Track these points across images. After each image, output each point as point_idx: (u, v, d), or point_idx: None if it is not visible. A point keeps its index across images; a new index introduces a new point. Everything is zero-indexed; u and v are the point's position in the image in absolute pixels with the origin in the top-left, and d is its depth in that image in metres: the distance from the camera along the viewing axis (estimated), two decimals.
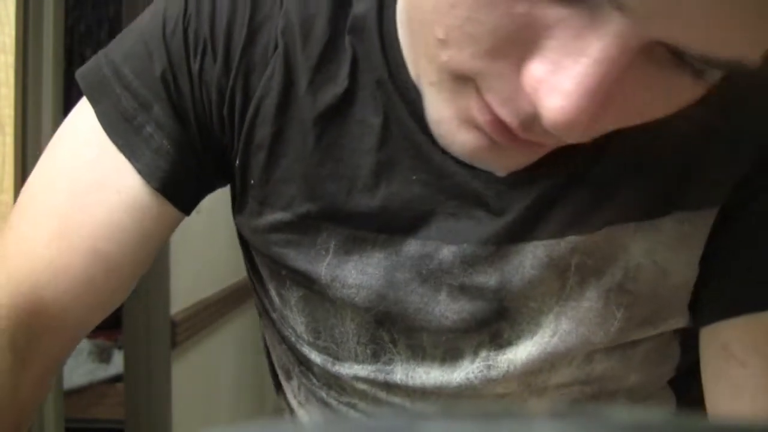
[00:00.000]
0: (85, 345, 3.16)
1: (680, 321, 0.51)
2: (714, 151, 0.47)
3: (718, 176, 0.47)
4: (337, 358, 0.53)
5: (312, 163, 0.48)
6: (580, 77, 0.32)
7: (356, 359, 0.52)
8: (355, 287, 0.49)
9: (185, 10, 0.49)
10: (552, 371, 0.51)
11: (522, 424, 0.16)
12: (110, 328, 3.41)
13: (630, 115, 0.37)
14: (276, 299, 0.54)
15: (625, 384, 0.52)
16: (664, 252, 0.47)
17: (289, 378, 0.60)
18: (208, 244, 2.17)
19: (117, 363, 2.65)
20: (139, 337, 1.90)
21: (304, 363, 0.56)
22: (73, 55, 4.19)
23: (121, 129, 0.50)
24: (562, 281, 0.48)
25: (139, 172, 0.49)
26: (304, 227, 0.49)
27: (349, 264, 0.49)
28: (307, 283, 0.51)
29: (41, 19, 1.37)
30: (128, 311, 2.43)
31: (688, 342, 0.52)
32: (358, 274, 0.49)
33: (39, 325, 0.49)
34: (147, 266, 0.53)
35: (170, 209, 0.51)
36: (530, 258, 0.47)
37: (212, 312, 2.21)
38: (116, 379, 2.58)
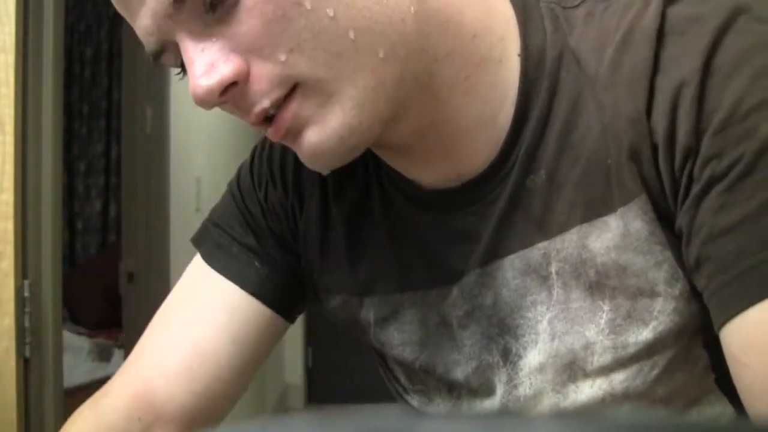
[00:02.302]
0: (85, 344, 3.17)
1: (674, 318, 0.50)
2: (617, 142, 0.49)
3: (627, 167, 0.49)
4: (428, 398, 0.61)
5: (347, 254, 0.61)
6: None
7: (440, 398, 0.60)
8: (400, 345, 0.60)
9: (252, 159, 0.67)
10: (574, 386, 0.53)
11: (522, 424, 0.16)
12: (110, 327, 3.42)
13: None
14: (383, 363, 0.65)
15: (655, 398, 0.52)
16: (617, 250, 0.50)
17: None
18: None
19: (117, 362, 2.65)
20: (139, 336, 1.90)
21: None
22: (73, 54, 4.19)
23: (216, 255, 0.65)
24: (548, 289, 0.52)
25: (230, 279, 0.64)
26: (348, 302, 0.62)
27: (390, 328, 0.60)
28: (376, 347, 0.63)
29: (41, 19, 1.37)
30: (128, 310, 2.43)
31: (715, 344, 0.50)
32: (400, 333, 0.60)
33: (152, 414, 0.63)
34: (249, 366, 0.65)
35: (262, 309, 0.64)
36: (510, 270, 0.54)
37: None
38: None
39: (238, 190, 0.67)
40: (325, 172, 0.54)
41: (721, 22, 0.47)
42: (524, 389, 0.54)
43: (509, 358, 0.55)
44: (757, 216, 0.45)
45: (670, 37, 0.48)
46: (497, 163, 0.53)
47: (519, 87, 0.52)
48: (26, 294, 1.30)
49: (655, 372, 0.51)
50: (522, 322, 0.54)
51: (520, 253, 0.53)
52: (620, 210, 0.50)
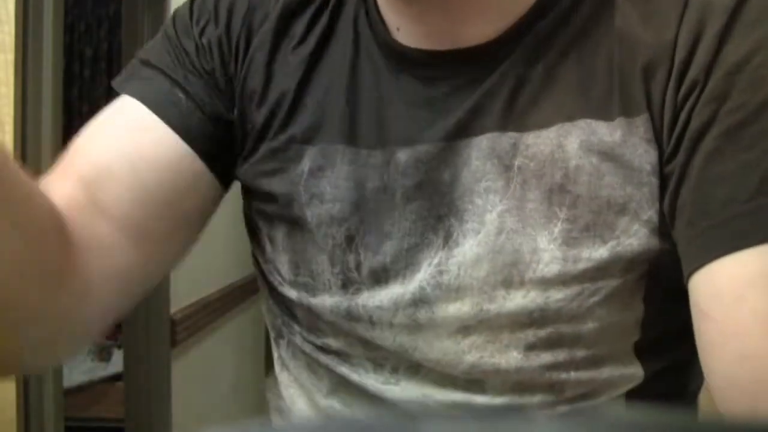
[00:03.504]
0: None
1: (633, 244, 0.49)
2: (631, 60, 0.49)
3: (636, 85, 0.49)
4: (313, 293, 0.55)
5: (297, 97, 0.56)
6: None
7: (329, 291, 0.55)
8: (330, 201, 0.54)
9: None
10: (505, 291, 0.50)
11: (522, 424, 0.16)
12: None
13: None
14: (267, 246, 0.58)
15: (582, 330, 0.50)
16: (600, 155, 0.49)
17: (280, 336, 0.62)
18: (207, 243, 2.17)
19: (117, 362, 2.65)
20: (139, 336, 1.90)
21: (288, 308, 0.59)
22: (72, 53, 4.19)
23: (141, 87, 0.58)
24: (505, 180, 0.50)
25: (153, 110, 0.57)
26: (289, 153, 0.56)
27: (323, 180, 0.54)
28: (289, 212, 0.56)
29: (41, 18, 1.37)
30: None
31: (653, 302, 0.51)
32: (332, 188, 0.54)
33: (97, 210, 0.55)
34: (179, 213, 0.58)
35: (184, 147, 0.57)
36: (476, 150, 0.51)
37: (212, 311, 2.21)
38: (116, 377, 2.57)
39: (173, 28, 0.60)
40: None
41: None
42: (449, 279, 0.51)
43: (448, 242, 0.51)
44: (750, 167, 0.45)
45: None
46: (499, 43, 0.52)
47: None
48: None
49: (594, 300, 0.49)
50: (470, 207, 0.51)
51: (490, 135, 0.51)
52: (620, 120, 0.49)
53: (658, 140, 0.48)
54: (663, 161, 0.48)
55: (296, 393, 0.60)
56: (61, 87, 1.44)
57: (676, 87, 0.48)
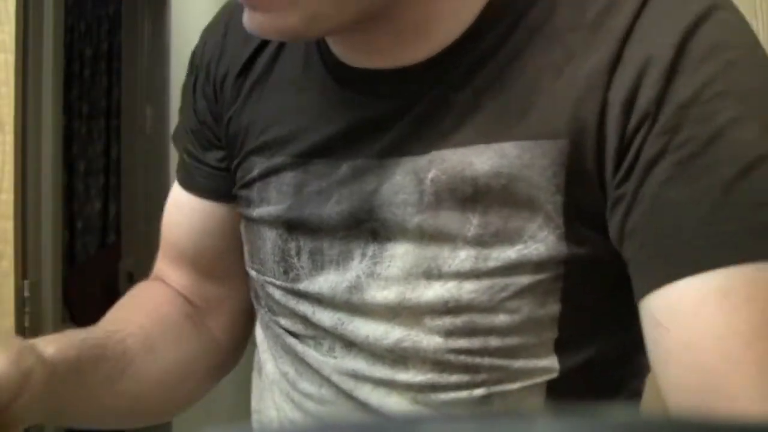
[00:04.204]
0: None
1: (540, 249, 0.53)
2: (557, 86, 0.52)
3: (558, 110, 0.51)
4: (264, 277, 0.64)
5: (251, 115, 0.64)
6: None
7: (274, 276, 0.63)
8: (275, 203, 0.62)
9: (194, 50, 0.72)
10: (425, 282, 0.55)
11: (522, 424, 0.16)
12: None
13: None
14: (243, 240, 0.68)
15: (495, 322, 0.54)
16: (509, 177, 0.52)
17: (257, 307, 0.70)
18: None
19: None
20: None
21: (254, 287, 0.68)
22: (72, 53, 4.19)
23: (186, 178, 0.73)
24: (419, 194, 0.54)
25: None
26: (245, 164, 0.64)
27: (271, 186, 0.62)
28: (246, 212, 0.65)
29: (41, 18, 1.37)
30: None
31: (570, 301, 0.54)
32: (276, 193, 0.61)
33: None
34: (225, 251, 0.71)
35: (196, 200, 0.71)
36: (401, 168, 0.56)
37: None
38: None
39: (188, 82, 0.71)
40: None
41: (702, 9, 0.50)
42: (381, 270, 0.57)
43: (377, 238, 0.57)
44: (702, 196, 0.48)
45: (652, 8, 0.51)
46: (428, 66, 0.55)
47: (483, 8, 0.54)
48: (26, 294, 1.30)
49: (504, 295, 0.54)
50: (390, 216, 0.56)
51: (413, 158, 0.55)
52: (528, 142, 0.52)
53: (577, 164, 0.51)
54: (585, 180, 0.52)
55: (267, 357, 0.67)
56: (61, 87, 1.44)
57: (622, 117, 0.50)
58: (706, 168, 0.48)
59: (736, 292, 0.47)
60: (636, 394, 0.60)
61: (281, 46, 0.63)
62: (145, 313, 0.69)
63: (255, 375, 0.71)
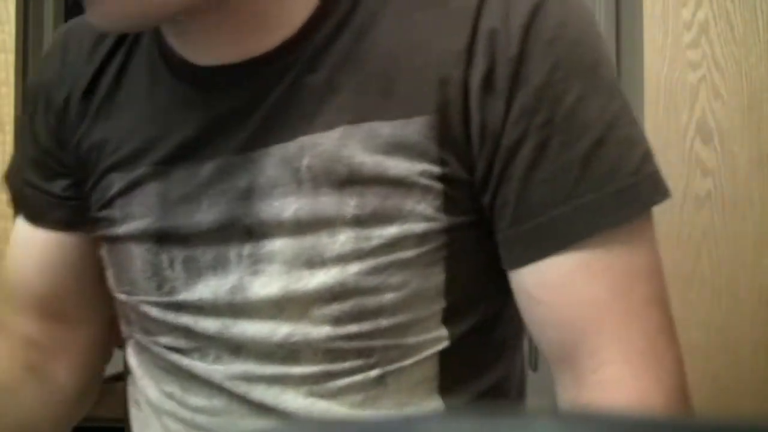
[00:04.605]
0: None
1: (421, 222, 0.54)
2: (418, 63, 0.53)
3: (422, 87, 0.53)
4: (136, 296, 0.62)
5: (104, 132, 0.62)
6: None
7: (148, 293, 0.61)
8: (140, 217, 0.60)
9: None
10: (308, 271, 0.55)
11: (522, 423, 0.16)
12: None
13: None
14: (107, 265, 0.66)
15: (383, 301, 0.55)
16: (382, 153, 0.53)
17: (127, 336, 0.68)
18: None
19: (117, 362, 2.64)
20: None
21: (124, 311, 0.66)
22: None
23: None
24: (297, 182, 0.55)
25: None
26: (103, 183, 0.62)
27: (134, 200, 0.60)
28: (109, 232, 0.62)
29: (41, 18, 1.37)
30: None
31: (452, 270, 0.56)
32: (140, 207, 0.60)
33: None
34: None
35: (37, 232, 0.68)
36: (270, 158, 0.55)
37: None
38: (116, 378, 2.57)
39: (25, 117, 0.70)
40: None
41: None
42: (264, 266, 0.56)
43: (252, 237, 0.56)
44: (563, 173, 0.52)
45: None
46: (279, 54, 0.55)
47: None
48: None
49: (390, 271, 0.54)
50: (268, 209, 0.55)
51: (280, 145, 0.55)
52: (398, 121, 0.53)
53: (447, 138, 0.53)
54: (457, 153, 0.53)
55: (147, 383, 0.65)
56: None
57: (482, 98, 0.52)
58: (563, 146, 0.52)
59: (595, 262, 0.52)
60: (517, 350, 0.64)
61: (126, 60, 0.62)
62: None
63: (132, 410, 0.69)
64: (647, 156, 0.54)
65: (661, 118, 1.16)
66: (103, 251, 0.64)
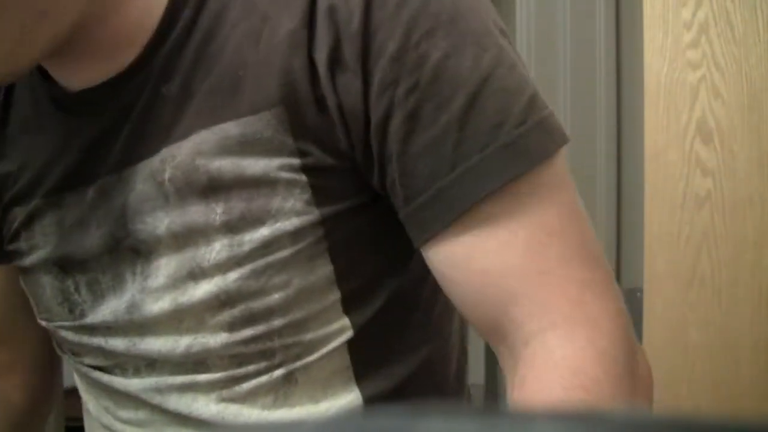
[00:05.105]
0: None
1: (292, 219, 0.53)
2: (259, 54, 0.52)
3: (266, 79, 0.51)
4: (54, 324, 0.63)
5: (1, 167, 0.62)
6: None
7: (62, 318, 0.62)
8: (43, 247, 0.60)
9: None
10: (193, 283, 0.55)
11: (522, 424, 0.16)
12: None
13: None
14: (28, 294, 0.66)
15: (271, 303, 0.54)
16: (236, 154, 0.52)
17: (62, 354, 0.68)
18: None
19: None
20: None
21: (54, 338, 0.66)
22: None
23: None
24: (164, 196, 0.54)
25: None
26: (8, 217, 0.62)
27: (36, 231, 0.61)
28: (20, 264, 0.63)
29: None
30: None
31: (340, 259, 0.54)
32: (41, 237, 0.60)
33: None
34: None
35: None
36: (138, 176, 0.55)
37: None
38: None
39: None
40: None
41: None
42: (152, 281, 0.56)
43: (140, 255, 0.57)
44: (442, 138, 0.49)
45: None
46: (135, 68, 0.55)
47: (167, 4, 0.54)
48: None
49: (270, 273, 0.54)
50: (143, 227, 0.55)
51: (147, 161, 0.55)
52: (246, 118, 0.52)
53: (300, 127, 0.51)
54: (311, 140, 0.52)
55: (88, 398, 0.66)
56: None
57: (331, 77, 0.50)
58: (436, 110, 0.49)
59: (498, 228, 0.49)
60: (448, 326, 0.62)
61: (9, 95, 0.62)
62: None
63: (85, 415, 0.71)
64: (533, 102, 0.50)
65: (661, 118, 1.16)
66: (21, 282, 0.65)
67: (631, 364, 0.49)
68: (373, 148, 0.51)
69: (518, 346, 0.50)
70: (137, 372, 0.60)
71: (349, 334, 0.56)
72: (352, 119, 0.50)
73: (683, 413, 0.16)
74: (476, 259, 0.50)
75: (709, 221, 1.15)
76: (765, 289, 1.13)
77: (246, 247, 0.53)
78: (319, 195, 0.53)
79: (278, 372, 0.56)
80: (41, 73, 0.60)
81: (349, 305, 0.56)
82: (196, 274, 0.55)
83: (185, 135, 0.53)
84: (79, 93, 0.57)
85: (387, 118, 0.49)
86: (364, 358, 0.56)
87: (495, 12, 0.54)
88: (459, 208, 0.49)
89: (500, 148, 0.48)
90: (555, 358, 0.48)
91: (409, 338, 0.59)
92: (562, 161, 0.51)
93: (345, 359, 0.56)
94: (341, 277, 0.55)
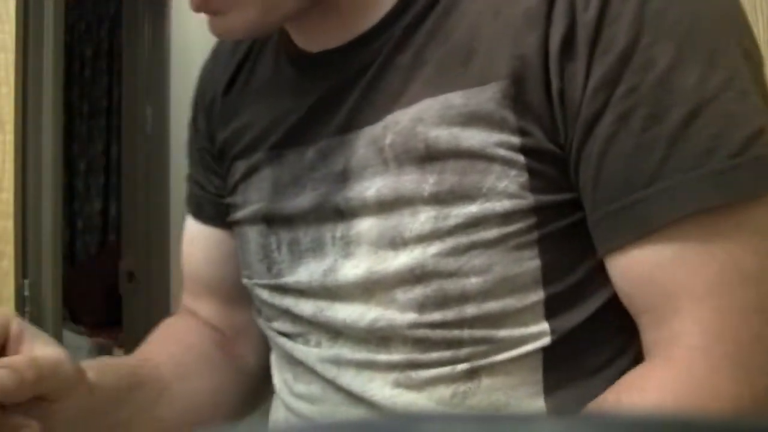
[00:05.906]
0: (85, 343, 3.17)
1: (503, 200, 0.50)
2: (496, 27, 0.51)
3: (498, 52, 0.50)
4: (252, 280, 0.65)
5: (236, 123, 0.66)
6: None
7: (260, 276, 0.63)
8: (256, 201, 0.63)
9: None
10: (392, 252, 0.54)
11: (522, 424, 0.16)
12: (110, 326, 3.42)
13: None
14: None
15: (467, 287, 0.51)
16: (456, 124, 0.51)
17: (258, 320, 0.69)
18: None
19: None
20: (139, 335, 1.90)
21: (254, 299, 0.68)
22: (73, 53, 4.19)
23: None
24: (382, 160, 0.54)
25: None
26: (232, 170, 0.66)
27: (252, 185, 0.63)
28: (234, 218, 0.66)
29: (41, 18, 1.37)
30: (128, 309, 2.43)
31: (550, 257, 0.51)
32: (256, 191, 0.63)
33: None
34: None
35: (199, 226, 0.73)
36: (361, 140, 0.56)
37: None
38: None
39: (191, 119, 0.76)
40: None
41: None
42: (354, 248, 0.56)
43: (343, 218, 0.57)
44: (648, 150, 0.46)
45: None
46: (373, 35, 0.56)
47: None
48: (26, 293, 1.30)
49: (472, 253, 0.51)
50: (357, 188, 0.56)
51: (371, 126, 0.55)
52: (472, 90, 0.51)
53: (524, 103, 0.50)
54: (536, 119, 0.50)
55: (274, 371, 0.67)
56: (61, 86, 1.44)
57: (562, 60, 0.48)
58: (648, 119, 0.46)
59: (689, 254, 0.46)
60: (623, 352, 0.54)
61: (258, 56, 0.66)
62: (175, 343, 0.71)
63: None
64: (758, 136, 0.46)
65: None
66: (235, 238, 0.67)
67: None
68: (574, 143, 0.49)
69: (664, 343, 0.48)
70: (318, 344, 0.59)
71: (546, 340, 0.51)
72: (569, 108, 0.49)
73: (683, 413, 0.16)
74: (657, 279, 0.47)
75: None
76: None
77: (451, 221, 0.51)
78: (535, 180, 0.50)
79: (462, 366, 0.52)
80: (284, 36, 0.62)
81: (552, 309, 0.52)
82: (397, 243, 0.53)
83: (410, 103, 0.53)
84: (316, 54, 0.59)
85: (598, 115, 0.47)
86: (559, 371, 0.52)
87: (749, 31, 0.51)
88: (654, 225, 0.46)
89: (707, 175, 0.45)
90: (692, 376, 0.46)
91: (607, 351, 0.54)
92: None
93: (537, 368, 0.52)
94: (548, 276, 0.51)
